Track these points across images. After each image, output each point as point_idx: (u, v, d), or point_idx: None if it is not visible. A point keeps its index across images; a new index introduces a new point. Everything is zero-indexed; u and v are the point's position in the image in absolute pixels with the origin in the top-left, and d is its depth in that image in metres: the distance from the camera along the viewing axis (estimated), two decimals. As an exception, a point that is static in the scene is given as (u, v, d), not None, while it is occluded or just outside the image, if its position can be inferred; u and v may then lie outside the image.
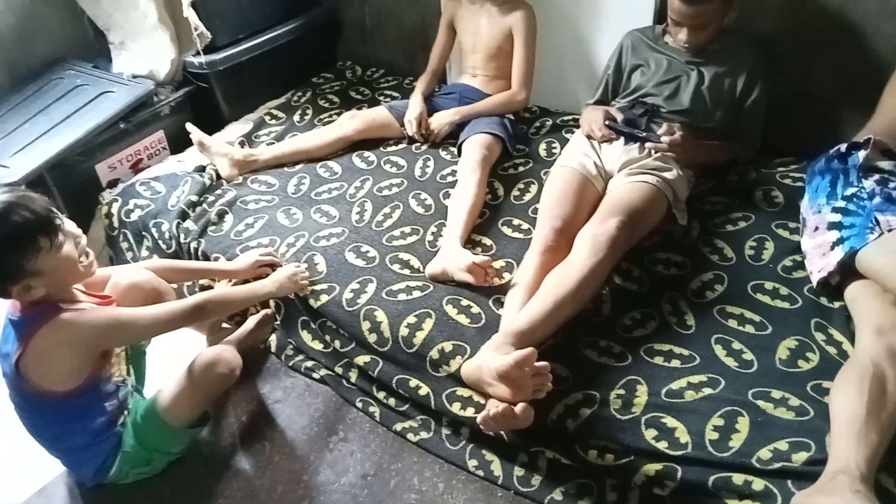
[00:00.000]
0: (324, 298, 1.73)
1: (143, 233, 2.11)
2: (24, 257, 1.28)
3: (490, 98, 2.30)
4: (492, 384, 1.40)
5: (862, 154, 1.62)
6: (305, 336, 1.82)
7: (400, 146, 2.32)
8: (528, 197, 2.02)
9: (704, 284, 1.68)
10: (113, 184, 2.31)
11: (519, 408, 1.35)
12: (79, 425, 1.44)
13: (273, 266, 1.81)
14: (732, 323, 1.58)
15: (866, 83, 1.86)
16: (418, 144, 2.30)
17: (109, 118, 2.23)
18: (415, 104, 2.30)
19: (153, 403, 1.51)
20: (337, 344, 1.74)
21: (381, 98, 2.62)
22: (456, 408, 1.52)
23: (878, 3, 1.88)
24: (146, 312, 1.46)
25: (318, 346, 1.80)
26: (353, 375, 1.74)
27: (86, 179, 2.26)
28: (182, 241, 2.00)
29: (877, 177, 1.57)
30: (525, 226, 1.90)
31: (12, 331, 1.38)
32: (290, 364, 1.83)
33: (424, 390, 1.58)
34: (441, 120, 2.27)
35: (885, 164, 1.60)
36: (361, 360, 1.69)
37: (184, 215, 2.05)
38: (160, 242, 2.05)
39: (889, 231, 1.45)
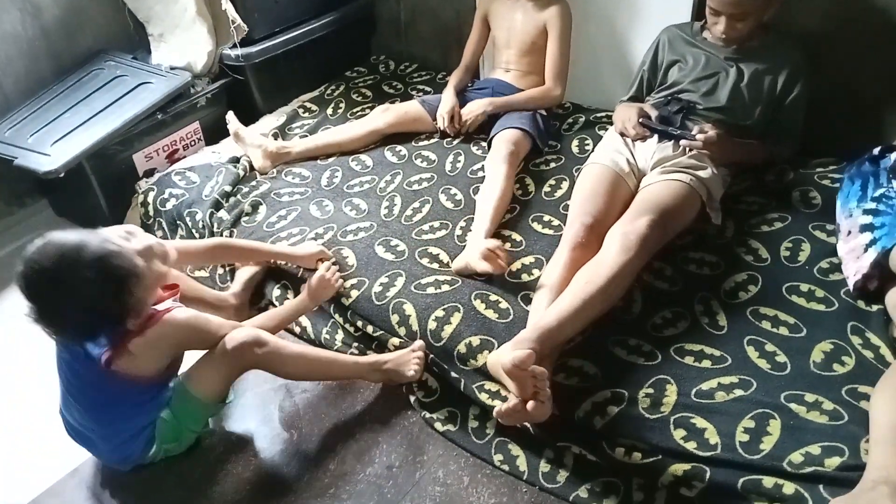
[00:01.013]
0: (354, 294, 1.74)
1: (178, 222, 2.15)
2: (122, 303, 1.34)
3: (525, 92, 2.28)
4: (504, 378, 1.40)
5: (894, 156, 1.58)
6: (338, 318, 1.83)
7: (431, 140, 2.32)
8: (559, 193, 2.01)
9: (738, 285, 1.65)
10: (149, 173, 2.36)
11: (530, 405, 1.34)
12: (140, 409, 1.48)
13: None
14: (766, 325, 1.55)
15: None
16: (449, 139, 2.31)
17: (147, 109, 2.27)
18: (447, 98, 2.30)
19: (183, 377, 1.54)
20: (369, 329, 1.75)
21: (414, 93, 2.63)
22: (484, 397, 1.53)
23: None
24: (224, 325, 1.53)
25: (349, 328, 1.81)
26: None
27: (123, 169, 2.31)
28: (215, 230, 2.03)
29: None
30: (555, 222, 1.89)
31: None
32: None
33: (455, 375, 1.59)
34: (473, 109, 2.26)
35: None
36: (393, 343, 1.70)
37: (217, 205, 2.08)
38: (194, 232, 2.09)
39: None
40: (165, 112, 2.35)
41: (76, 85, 2.41)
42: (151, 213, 2.21)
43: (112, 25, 2.61)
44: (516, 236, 1.86)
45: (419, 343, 1.64)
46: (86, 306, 1.31)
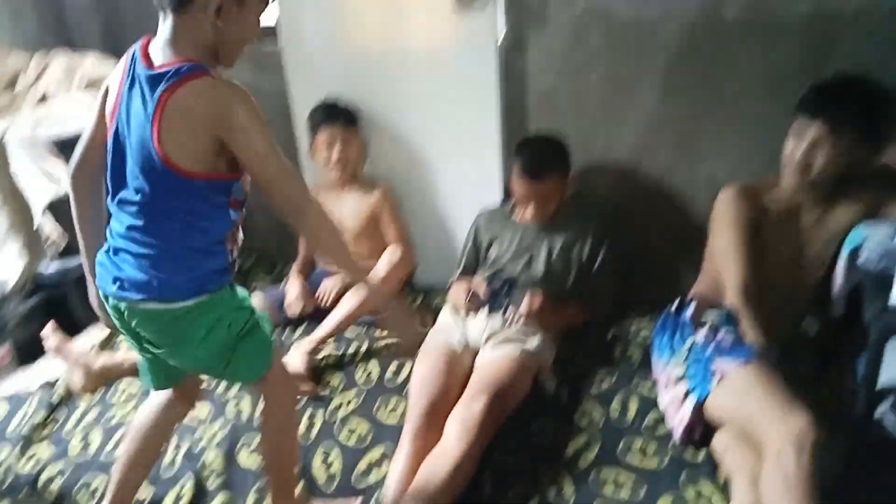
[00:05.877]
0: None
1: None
2: None
3: (377, 265, 2.28)
4: None
5: (691, 308, 1.77)
6: None
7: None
8: (400, 379, 2.01)
9: (578, 451, 1.69)
10: (-50, 408, 2.09)
11: None
12: (203, 225, 1.32)
13: None
14: (608, 490, 1.58)
15: (694, 241, 2.03)
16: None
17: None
18: (295, 285, 2.35)
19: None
20: None
21: (255, 284, 2.61)
22: None
23: (687, 176, 2.15)
24: (279, 162, 1.27)
25: None
26: None
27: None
28: (28, 473, 1.79)
29: (706, 329, 1.70)
30: (401, 408, 1.88)
31: (145, 89, 1.21)
32: None
33: None
34: (333, 283, 2.28)
35: (712, 316, 1.74)
36: None
37: (27, 444, 1.87)
38: None
39: (723, 377, 1.55)
40: (-31, 338, 2.15)
41: None
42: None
43: None
44: (362, 427, 1.82)
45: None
46: None
